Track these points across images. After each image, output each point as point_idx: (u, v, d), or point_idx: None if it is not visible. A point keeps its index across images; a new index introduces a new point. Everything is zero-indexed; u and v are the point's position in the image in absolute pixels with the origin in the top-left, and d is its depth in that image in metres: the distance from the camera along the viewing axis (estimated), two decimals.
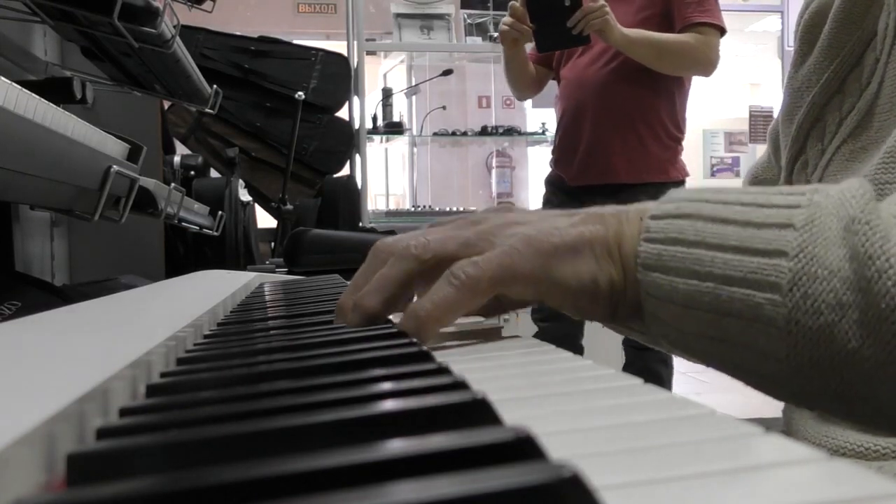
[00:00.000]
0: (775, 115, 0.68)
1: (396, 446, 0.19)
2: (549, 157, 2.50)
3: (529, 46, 2.28)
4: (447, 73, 4.20)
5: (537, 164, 4.59)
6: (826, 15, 0.60)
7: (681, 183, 2.31)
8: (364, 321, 0.45)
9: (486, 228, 0.45)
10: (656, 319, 0.42)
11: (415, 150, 5.55)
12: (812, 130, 0.60)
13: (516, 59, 2.30)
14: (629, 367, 2.23)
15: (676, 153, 2.33)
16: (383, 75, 5.39)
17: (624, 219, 0.44)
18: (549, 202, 2.41)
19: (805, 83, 0.60)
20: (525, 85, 2.40)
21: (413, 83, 5.11)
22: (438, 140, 4.78)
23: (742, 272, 0.37)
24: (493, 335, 0.48)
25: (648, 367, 2.19)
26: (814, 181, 0.59)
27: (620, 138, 2.24)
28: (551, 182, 2.44)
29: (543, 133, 4.33)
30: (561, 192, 2.36)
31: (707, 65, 2.19)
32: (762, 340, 0.36)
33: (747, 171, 0.76)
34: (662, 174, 2.27)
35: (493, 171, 5.34)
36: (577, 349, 2.30)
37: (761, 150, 0.75)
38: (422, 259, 0.45)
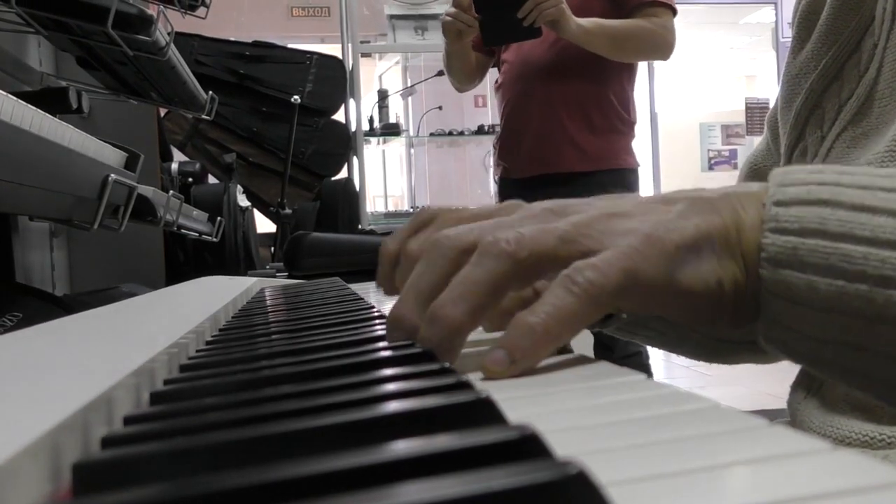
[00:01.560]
0: (772, 106, 0.68)
1: (402, 447, 0.19)
2: (493, 151, 2.28)
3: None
4: (442, 73, 4.20)
5: None
6: (824, 1, 0.60)
7: (634, 171, 2.17)
8: (446, 336, 0.36)
9: (583, 220, 0.37)
10: (777, 324, 0.36)
11: (412, 150, 5.55)
12: (811, 117, 0.59)
13: (459, 53, 2.12)
14: None
15: (629, 139, 2.17)
16: (379, 77, 5.40)
17: (737, 204, 0.36)
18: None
19: (803, 70, 0.60)
20: (467, 77, 2.23)
21: (408, 84, 5.12)
22: (435, 140, 4.79)
23: None
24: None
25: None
26: None
27: (570, 124, 2.08)
28: (499, 180, 2.25)
29: None
30: (508, 187, 2.17)
31: (666, 49, 2.04)
32: None
33: (745, 159, 0.75)
34: (616, 161, 2.12)
35: (491, 170, 5.34)
36: (564, 348, 2.25)
37: (759, 142, 0.75)
38: (518, 258, 0.36)
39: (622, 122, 2.14)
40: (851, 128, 0.55)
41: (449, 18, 2.01)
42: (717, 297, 0.36)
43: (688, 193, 0.38)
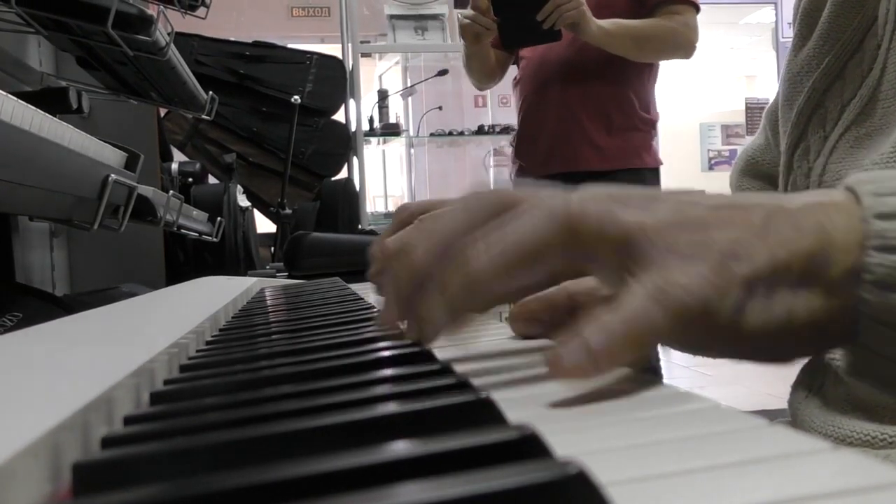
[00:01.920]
0: (772, 100, 0.68)
1: (403, 448, 0.19)
2: (510, 149, 2.25)
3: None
4: (442, 73, 4.21)
5: None
6: None
7: (655, 171, 2.13)
8: (469, 290, 0.31)
9: (650, 225, 0.31)
10: (881, 356, 0.32)
11: (412, 151, 5.55)
12: (813, 117, 0.59)
13: (478, 54, 2.08)
14: None
15: (650, 138, 2.12)
16: (379, 77, 5.39)
17: (824, 218, 0.32)
18: None
19: (805, 67, 0.60)
20: (487, 76, 2.19)
21: (409, 84, 5.11)
22: (435, 140, 4.78)
23: None
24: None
25: None
26: (817, 168, 0.58)
27: (590, 125, 2.04)
28: (515, 179, 2.22)
29: None
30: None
31: (689, 48, 2.01)
32: None
33: (740, 152, 0.75)
34: (636, 160, 2.07)
35: (491, 171, 5.34)
36: None
37: (756, 135, 0.75)
38: (576, 224, 0.30)
39: (643, 122, 2.10)
40: (855, 128, 0.55)
41: (467, 21, 1.98)
42: (784, 329, 0.31)
43: (765, 200, 0.33)
